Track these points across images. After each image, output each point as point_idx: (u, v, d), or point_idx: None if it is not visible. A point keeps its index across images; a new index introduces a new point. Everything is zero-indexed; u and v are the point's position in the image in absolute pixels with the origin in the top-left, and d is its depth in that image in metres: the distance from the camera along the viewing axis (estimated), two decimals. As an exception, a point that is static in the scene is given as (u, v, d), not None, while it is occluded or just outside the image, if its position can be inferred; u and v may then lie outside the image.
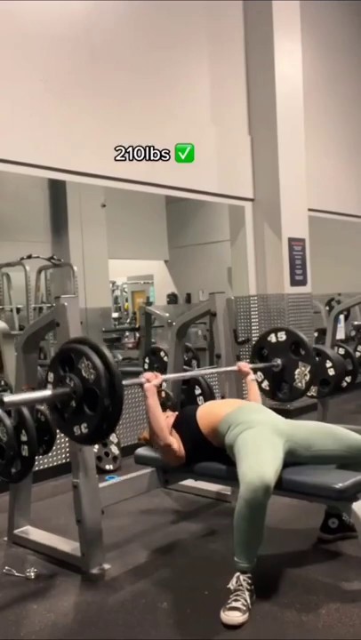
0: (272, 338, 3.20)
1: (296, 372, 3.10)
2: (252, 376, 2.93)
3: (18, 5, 3.63)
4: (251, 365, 3.04)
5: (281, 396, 3.21)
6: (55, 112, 3.81)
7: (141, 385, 2.48)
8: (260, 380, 3.22)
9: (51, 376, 2.17)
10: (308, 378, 3.07)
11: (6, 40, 3.58)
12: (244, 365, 2.98)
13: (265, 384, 3.23)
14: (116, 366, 2.06)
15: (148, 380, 2.48)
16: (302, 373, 3.08)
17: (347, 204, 6.69)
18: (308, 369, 3.07)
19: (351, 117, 6.87)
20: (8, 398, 2.03)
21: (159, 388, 3.23)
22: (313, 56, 6.04)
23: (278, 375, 3.17)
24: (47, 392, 2.11)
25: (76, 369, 2.06)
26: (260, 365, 3.18)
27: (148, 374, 2.52)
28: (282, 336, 3.17)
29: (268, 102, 5.16)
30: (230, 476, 2.38)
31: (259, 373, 3.22)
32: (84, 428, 2.05)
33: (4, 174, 3.81)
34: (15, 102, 3.60)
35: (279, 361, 3.15)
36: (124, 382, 2.12)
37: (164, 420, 2.50)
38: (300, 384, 3.09)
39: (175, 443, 2.48)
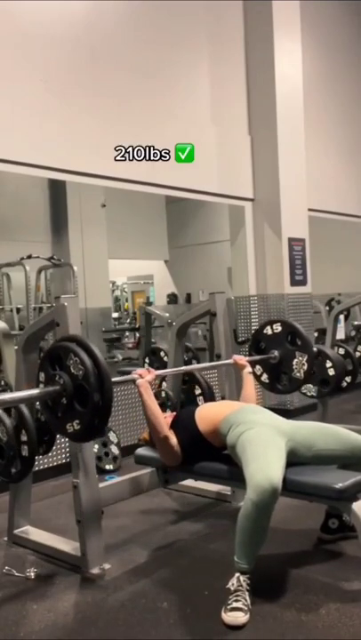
0: (268, 330, 3.19)
1: (294, 362, 3.08)
2: (248, 369, 2.90)
3: (18, 5, 3.63)
4: (247, 358, 3.02)
5: (280, 387, 3.19)
6: (55, 112, 3.81)
7: (134, 381, 2.45)
8: (258, 372, 3.21)
9: (41, 375, 2.19)
10: (306, 367, 3.05)
11: (6, 40, 3.58)
12: (240, 358, 2.95)
13: (264, 377, 3.22)
14: (105, 361, 2.08)
15: (141, 376, 2.43)
16: (300, 363, 3.06)
17: (347, 204, 6.69)
18: (306, 358, 3.05)
19: (351, 117, 6.87)
20: None
21: (159, 388, 3.22)
22: (313, 56, 6.04)
23: (276, 367, 3.15)
24: (36, 390, 2.14)
25: (65, 366, 2.08)
26: (257, 358, 3.16)
27: (140, 370, 2.49)
28: (277, 327, 3.16)
29: (268, 102, 5.16)
30: (231, 476, 2.38)
31: (257, 367, 3.20)
32: (76, 425, 2.07)
33: (4, 174, 3.81)
34: (15, 102, 3.60)
35: (276, 352, 3.13)
36: (116, 379, 2.15)
37: (162, 415, 2.48)
38: (298, 374, 3.07)
39: (173, 437, 2.46)
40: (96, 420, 2.05)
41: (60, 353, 2.12)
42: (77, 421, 2.06)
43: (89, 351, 2.06)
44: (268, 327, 3.18)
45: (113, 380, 2.14)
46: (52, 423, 2.19)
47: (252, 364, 3.08)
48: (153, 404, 2.44)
